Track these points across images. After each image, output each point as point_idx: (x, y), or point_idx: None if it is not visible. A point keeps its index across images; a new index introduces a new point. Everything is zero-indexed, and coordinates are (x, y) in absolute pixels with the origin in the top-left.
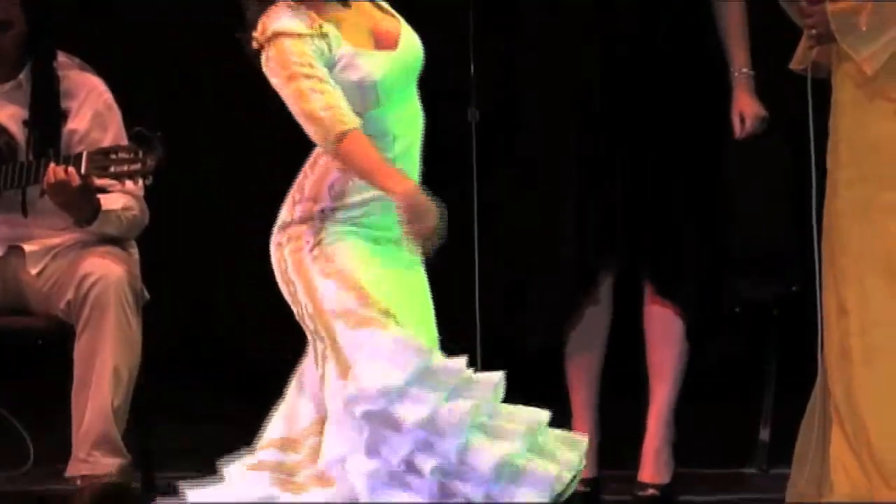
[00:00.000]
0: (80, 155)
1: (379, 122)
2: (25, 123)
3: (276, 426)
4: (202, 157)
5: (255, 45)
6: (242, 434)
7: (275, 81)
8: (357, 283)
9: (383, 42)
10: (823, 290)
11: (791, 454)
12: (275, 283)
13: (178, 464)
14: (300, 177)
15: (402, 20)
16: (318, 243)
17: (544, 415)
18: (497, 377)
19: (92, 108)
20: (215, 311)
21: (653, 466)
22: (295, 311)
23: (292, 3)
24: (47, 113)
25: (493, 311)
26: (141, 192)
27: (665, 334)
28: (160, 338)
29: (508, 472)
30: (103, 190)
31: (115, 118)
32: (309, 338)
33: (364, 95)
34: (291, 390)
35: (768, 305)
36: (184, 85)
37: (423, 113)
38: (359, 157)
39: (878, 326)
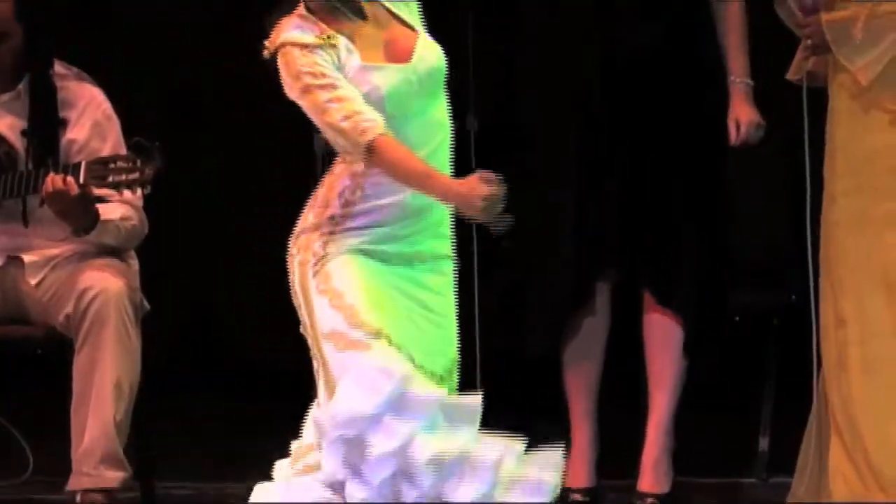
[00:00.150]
0: (78, 164)
1: (393, 134)
2: (24, 133)
3: (310, 432)
4: (202, 165)
5: (266, 54)
6: (243, 443)
7: (292, 95)
8: (348, 303)
9: (396, 55)
10: (821, 300)
11: (790, 463)
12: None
13: (178, 474)
14: (319, 185)
15: (421, 32)
16: (322, 258)
17: (517, 446)
18: (476, 403)
19: (91, 118)
20: (215, 321)
21: (652, 476)
22: (301, 323)
23: (304, 13)
24: (46, 122)
25: (493, 319)
26: (139, 202)
27: (664, 343)
28: (160, 346)
29: None
30: (102, 199)
31: (114, 128)
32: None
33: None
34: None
35: (767, 314)
36: (182, 94)
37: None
38: (391, 164)
39: (876, 337)
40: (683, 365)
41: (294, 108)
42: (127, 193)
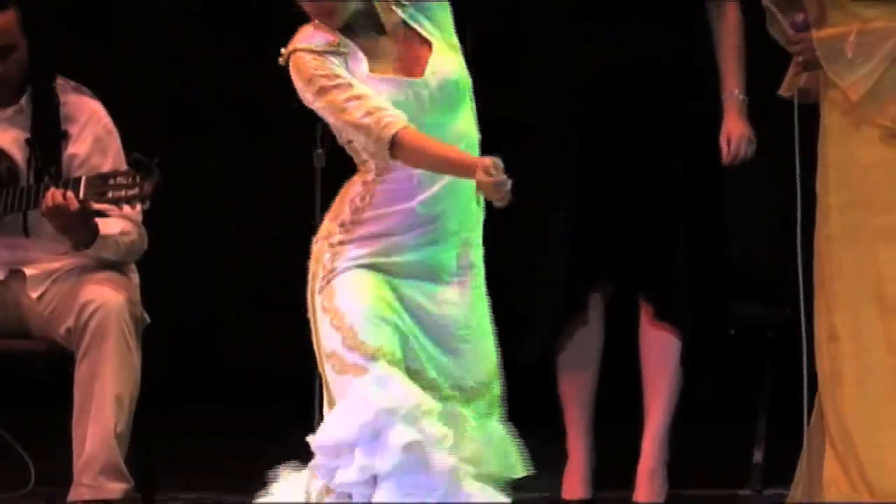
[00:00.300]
0: (78, 179)
1: None
2: (27, 145)
3: None
4: (201, 178)
5: (281, 61)
6: (242, 453)
7: (306, 98)
8: (348, 324)
9: (409, 69)
10: (815, 314)
11: (785, 475)
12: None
13: (179, 484)
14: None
15: (436, 46)
16: (330, 272)
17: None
18: (451, 463)
19: (93, 132)
20: (216, 332)
21: (647, 487)
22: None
23: (317, 22)
24: (49, 134)
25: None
26: (139, 218)
27: (661, 355)
28: (160, 358)
29: None
30: (102, 214)
31: (115, 143)
32: None
33: None
34: None
35: (763, 328)
36: (181, 105)
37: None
38: (417, 154)
39: (869, 351)
40: (680, 377)
41: (293, 123)
42: (126, 209)
